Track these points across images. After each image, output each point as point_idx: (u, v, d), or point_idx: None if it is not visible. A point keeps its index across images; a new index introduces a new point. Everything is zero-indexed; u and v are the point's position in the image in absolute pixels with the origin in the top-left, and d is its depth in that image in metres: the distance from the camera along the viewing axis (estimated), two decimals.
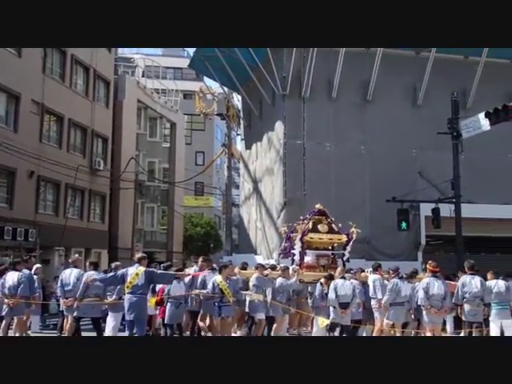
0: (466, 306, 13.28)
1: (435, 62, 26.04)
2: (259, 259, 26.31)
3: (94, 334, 13.42)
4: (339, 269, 15.10)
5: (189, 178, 44.29)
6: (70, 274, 14.10)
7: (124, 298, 12.48)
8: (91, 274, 13.34)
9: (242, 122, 36.60)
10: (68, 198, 31.81)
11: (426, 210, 24.69)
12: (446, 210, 22.31)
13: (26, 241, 27.35)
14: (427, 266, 14.12)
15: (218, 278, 13.67)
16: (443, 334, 14.26)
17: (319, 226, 17.23)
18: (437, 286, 13.22)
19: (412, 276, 15.03)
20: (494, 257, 26.73)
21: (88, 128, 33.75)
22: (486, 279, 14.00)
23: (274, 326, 14.74)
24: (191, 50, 41.66)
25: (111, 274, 13.06)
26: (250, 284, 14.73)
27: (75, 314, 13.30)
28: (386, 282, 15.14)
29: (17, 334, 13.75)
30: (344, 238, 17.25)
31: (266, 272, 15.35)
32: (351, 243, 17.37)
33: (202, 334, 14.58)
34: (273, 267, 16.30)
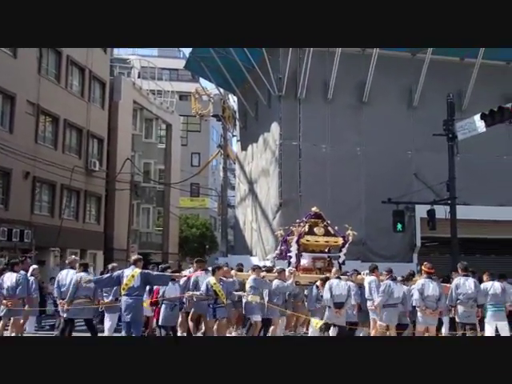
0: (460, 308, 13.29)
1: (431, 63, 26.07)
2: (255, 260, 26.31)
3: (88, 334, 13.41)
4: (334, 269, 15.12)
5: (184, 179, 44.25)
6: (66, 275, 14.08)
7: (120, 299, 12.46)
8: (81, 276, 13.32)
9: (237, 123, 36.61)
10: (63, 198, 31.75)
11: (421, 211, 24.71)
12: (442, 211, 22.33)
13: (21, 241, 27.29)
14: (422, 268, 14.15)
15: (212, 279, 13.65)
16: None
17: (315, 229, 17.25)
18: (432, 288, 13.29)
19: (408, 279, 15.05)
20: (489, 258, 26.81)
21: (83, 129, 33.71)
22: (481, 281, 14.02)
23: (271, 328, 14.75)
24: (187, 51, 41.62)
25: (107, 275, 13.04)
26: (248, 285, 14.71)
27: (65, 315, 13.30)
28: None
29: (12, 335, 13.74)
30: (340, 240, 17.26)
31: (262, 274, 15.34)
32: (347, 246, 17.38)
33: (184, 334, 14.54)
34: (269, 269, 16.28)
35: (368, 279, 15.47)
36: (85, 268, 13.77)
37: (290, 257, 17.11)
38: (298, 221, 18.01)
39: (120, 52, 56.22)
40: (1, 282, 13.91)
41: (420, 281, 13.70)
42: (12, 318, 13.91)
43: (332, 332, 13.78)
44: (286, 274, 15.43)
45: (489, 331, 13.50)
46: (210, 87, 40.90)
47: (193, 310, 14.56)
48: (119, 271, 12.48)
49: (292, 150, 26.33)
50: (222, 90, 35.85)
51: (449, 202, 21.82)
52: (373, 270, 15.75)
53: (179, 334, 14.31)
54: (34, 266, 16.72)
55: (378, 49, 25.28)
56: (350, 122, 26.81)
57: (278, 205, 26.32)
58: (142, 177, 43.00)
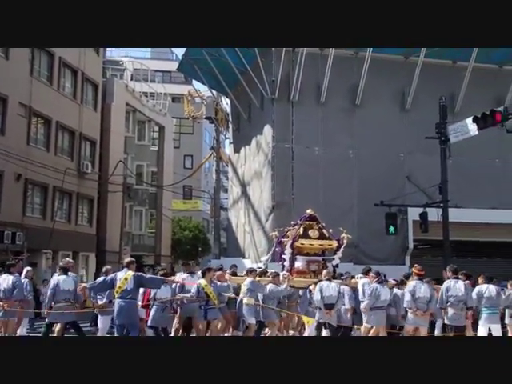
0: (450, 310, 13.32)
1: (423, 66, 26.11)
2: (247, 263, 26.31)
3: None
4: (325, 271, 15.11)
5: (177, 181, 44.21)
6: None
7: (114, 302, 12.48)
8: (61, 279, 13.30)
9: (230, 125, 36.60)
10: (56, 201, 31.70)
11: (413, 214, 24.74)
12: (434, 214, 22.37)
13: (13, 244, 27.23)
14: (413, 270, 14.23)
15: (203, 281, 13.65)
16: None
17: (310, 232, 17.22)
18: (423, 289, 13.39)
19: (403, 283, 15.07)
20: (480, 261, 26.89)
21: (76, 131, 33.67)
22: (474, 284, 14.06)
23: (269, 331, 14.77)
24: (180, 54, 41.62)
25: (100, 279, 13.01)
26: (245, 288, 14.68)
27: (47, 320, 13.29)
28: None
29: (6, 335, 13.71)
30: (335, 243, 17.24)
31: (257, 278, 15.34)
32: (342, 249, 17.38)
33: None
34: (263, 273, 16.26)
35: (361, 281, 15.50)
36: (64, 271, 13.70)
37: (284, 260, 17.09)
38: (292, 223, 18.01)
39: (113, 54, 56.19)
40: None
41: (411, 283, 13.78)
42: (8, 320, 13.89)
43: (325, 333, 13.83)
44: (280, 278, 15.41)
45: (482, 333, 13.54)
46: (202, 89, 40.84)
47: (180, 312, 14.54)
48: (112, 274, 12.47)
49: (285, 152, 26.33)
50: (214, 92, 35.81)
51: (441, 204, 21.87)
52: (366, 273, 15.78)
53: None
54: (28, 268, 16.65)
55: (370, 52, 25.32)
56: (343, 125, 26.83)
57: (270, 207, 26.31)
58: (135, 179, 42.94)
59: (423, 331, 13.46)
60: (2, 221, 26.87)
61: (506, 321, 14.13)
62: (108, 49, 50.69)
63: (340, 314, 14.61)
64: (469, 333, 13.52)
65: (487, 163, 27.26)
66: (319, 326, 14.03)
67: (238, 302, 14.90)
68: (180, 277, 15.35)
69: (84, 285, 13.18)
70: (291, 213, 23.83)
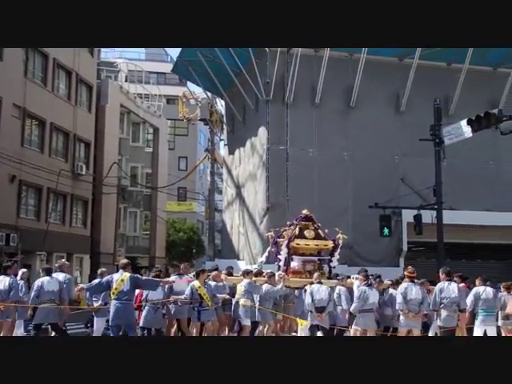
0: (443, 312, 13.34)
1: (418, 68, 26.17)
2: (242, 264, 26.31)
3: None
4: (316, 274, 15.12)
5: (172, 183, 44.18)
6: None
7: (109, 304, 12.52)
8: (45, 280, 13.31)
9: (225, 127, 36.63)
10: (50, 202, 31.61)
11: (408, 216, 24.79)
12: (428, 216, 22.41)
13: (7, 245, 27.14)
14: (405, 272, 14.27)
15: (196, 283, 13.65)
16: None
17: (306, 232, 17.23)
18: (414, 291, 13.42)
19: (398, 283, 15.08)
20: (475, 263, 26.98)
21: (70, 132, 33.58)
22: (469, 286, 14.08)
23: (265, 330, 14.78)
24: (174, 55, 41.60)
25: (96, 281, 13.02)
26: (242, 289, 14.67)
27: (34, 321, 13.31)
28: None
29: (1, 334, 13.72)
30: (330, 244, 17.25)
31: (253, 278, 15.35)
32: (338, 249, 17.40)
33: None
34: (259, 273, 16.26)
35: (357, 283, 15.49)
36: (48, 273, 13.71)
37: (280, 260, 17.11)
38: (288, 223, 18.02)
39: (107, 55, 56.18)
40: None
41: (403, 285, 13.82)
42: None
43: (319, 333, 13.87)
44: (276, 278, 15.43)
45: (477, 334, 13.55)
46: (197, 91, 40.87)
47: (172, 314, 14.51)
48: (108, 276, 12.47)
49: (279, 154, 26.36)
50: (209, 93, 35.84)
51: (435, 206, 21.90)
52: (361, 274, 15.77)
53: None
54: (24, 270, 16.62)
55: (365, 54, 25.36)
56: (338, 127, 26.87)
57: (265, 209, 26.33)
58: (129, 181, 42.90)
59: (416, 333, 13.47)
60: None
61: (499, 323, 14.14)
62: (102, 50, 50.79)
63: (336, 314, 14.65)
64: (462, 334, 13.53)
65: (481, 165, 27.36)
66: (312, 329, 14.04)
67: (233, 303, 14.89)
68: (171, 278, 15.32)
69: (82, 286, 13.19)
70: (286, 214, 23.85)
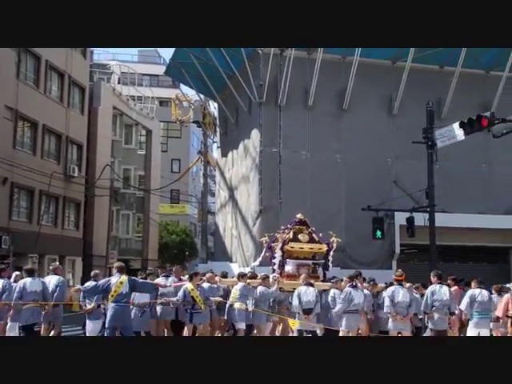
0: (435, 315, 13.39)
1: (411, 71, 26.21)
2: (234, 267, 26.27)
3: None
4: (303, 276, 15.15)
5: (164, 185, 44.13)
6: (49, 281, 14.10)
7: (102, 306, 12.63)
8: (27, 281, 13.30)
9: (218, 129, 36.58)
10: (42, 204, 31.50)
11: (400, 218, 24.81)
12: (421, 219, 22.45)
13: None
14: (392, 276, 14.36)
15: (189, 285, 13.64)
16: None
17: (300, 236, 17.26)
18: (402, 294, 13.52)
19: (392, 285, 15.12)
20: (467, 266, 26.99)
21: (63, 134, 33.48)
22: (463, 288, 14.10)
23: (257, 333, 14.79)
24: (167, 57, 41.60)
25: (92, 284, 13.02)
26: (237, 292, 14.65)
27: (20, 323, 13.29)
28: (366, 291, 15.28)
29: None
30: (324, 247, 17.28)
31: (248, 281, 15.34)
32: (332, 253, 17.42)
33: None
34: (253, 276, 16.24)
35: None
36: (30, 274, 13.71)
37: (274, 263, 17.12)
38: (282, 227, 18.02)
39: (100, 57, 56.09)
40: None
41: (390, 288, 13.97)
42: None
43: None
44: (270, 280, 15.42)
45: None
46: (190, 93, 40.90)
47: (159, 315, 14.50)
48: (105, 280, 12.49)
49: (272, 156, 26.36)
50: (202, 96, 35.82)
51: (428, 209, 21.93)
52: (356, 277, 15.80)
53: None
54: (17, 273, 16.61)
55: (358, 56, 25.38)
56: (330, 129, 26.89)
57: (258, 211, 26.32)
58: (122, 183, 42.81)
59: (406, 335, 13.50)
60: None
61: (490, 325, 14.18)
62: (95, 52, 50.77)
63: (330, 317, 14.66)
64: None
65: (474, 168, 27.42)
66: (300, 332, 14.10)
67: (227, 306, 14.86)
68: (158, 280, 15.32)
69: (78, 287, 13.24)
70: (278, 217, 23.88)
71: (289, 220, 18.20)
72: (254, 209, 26.94)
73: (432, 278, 13.97)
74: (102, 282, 12.47)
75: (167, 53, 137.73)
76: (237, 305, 14.49)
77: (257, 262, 20.41)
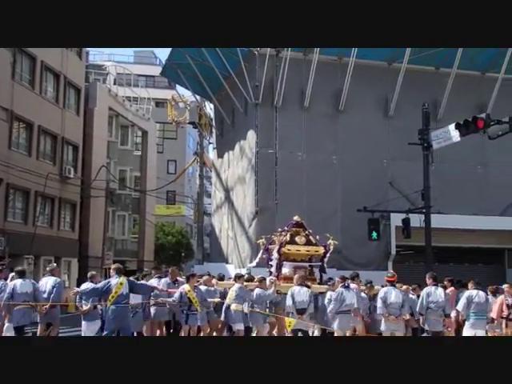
0: (430, 316, 13.43)
1: (407, 73, 26.22)
2: (231, 268, 26.27)
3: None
4: (296, 276, 15.15)
5: (160, 186, 44.13)
6: (46, 282, 14.11)
7: (99, 307, 12.72)
8: (18, 283, 13.30)
9: (214, 130, 36.58)
10: (37, 205, 31.45)
11: (396, 220, 24.80)
12: (417, 220, 22.45)
13: None
14: (384, 277, 14.41)
15: (186, 286, 13.67)
16: None
17: (297, 238, 17.29)
18: (394, 295, 13.62)
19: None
20: (462, 267, 27.02)
21: (58, 135, 33.44)
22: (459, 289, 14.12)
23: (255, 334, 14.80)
24: (163, 58, 41.60)
25: (91, 286, 13.01)
26: (233, 294, 14.65)
27: (12, 324, 13.31)
28: (363, 294, 15.30)
29: None
30: (321, 250, 17.31)
31: (245, 283, 15.34)
32: (328, 255, 17.43)
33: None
34: (250, 279, 16.23)
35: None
36: (21, 275, 13.71)
37: (272, 265, 17.12)
38: (279, 230, 18.03)
39: (95, 58, 56.05)
40: None
41: (383, 289, 14.05)
42: None
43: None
44: (267, 283, 15.41)
45: None
46: (186, 94, 40.95)
47: (153, 315, 14.50)
48: (104, 282, 12.55)
49: (268, 157, 26.35)
50: (198, 97, 35.80)
51: (423, 210, 21.93)
52: (353, 278, 15.84)
53: None
54: (13, 274, 16.62)
55: (354, 57, 25.38)
56: (326, 131, 26.90)
57: (254, 212, 26.30)
58: (118, 184, 42.79)
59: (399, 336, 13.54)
60: None
61: (486, 327, 14.20)
62: (91, 53, 50.73)
63: (327, 319, 14.67)
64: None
65: (469, 169, 27.47)
66: (295, 332, 14.12)
67: (224, 307, 14.86)
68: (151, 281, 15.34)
69: (77, 289, 13.23)
70: (274, 218, 23.87)
71: (285, 221, 18.21)
72: (250, 210, 26.93)
73: (427, 279, 14.00)
74: (101, 284, 12.52)
75: (163, 54, 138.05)
76: (233, 306, 14.49)
77: (253, 263, 20.40)
